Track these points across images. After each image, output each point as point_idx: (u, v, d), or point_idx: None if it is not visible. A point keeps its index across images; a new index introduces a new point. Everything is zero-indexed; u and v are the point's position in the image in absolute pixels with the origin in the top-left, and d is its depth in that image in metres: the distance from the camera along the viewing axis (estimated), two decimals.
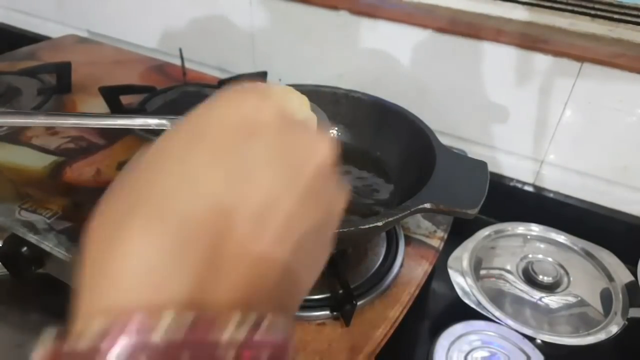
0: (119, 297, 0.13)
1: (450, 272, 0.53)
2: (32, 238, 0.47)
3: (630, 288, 0.53)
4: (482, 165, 0.44)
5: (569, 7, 0.58)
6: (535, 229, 0.60)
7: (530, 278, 0.54)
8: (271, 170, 0.15)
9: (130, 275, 0.13)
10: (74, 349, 0.12)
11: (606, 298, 0.52)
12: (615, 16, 0.56)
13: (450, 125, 0.67)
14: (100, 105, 0.66)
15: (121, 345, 0.12)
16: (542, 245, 0.59)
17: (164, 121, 0.41)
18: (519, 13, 0.60)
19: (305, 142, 0.17)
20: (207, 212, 0.14)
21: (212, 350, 0.12)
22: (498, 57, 0.59)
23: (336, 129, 0.57)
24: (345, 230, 0.37)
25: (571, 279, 0.54)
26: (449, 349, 0.46)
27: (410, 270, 0.47)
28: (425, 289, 0.49)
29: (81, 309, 0.14)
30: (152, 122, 0.41)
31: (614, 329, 0.48)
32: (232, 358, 0.13)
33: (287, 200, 0.15)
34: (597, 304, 0.52)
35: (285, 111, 0.17)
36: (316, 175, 0.17)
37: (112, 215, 0.15)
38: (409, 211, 0.38)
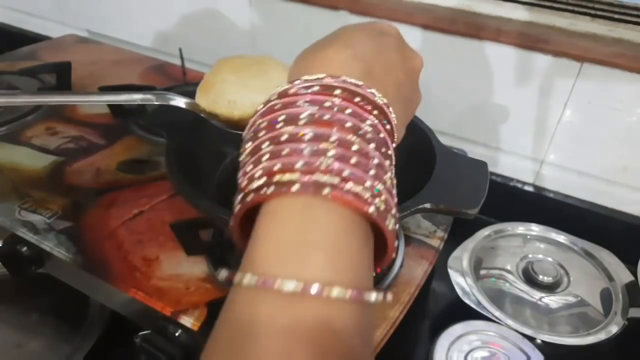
0: (322, 69, 0.24)
1: (450, 272, 0.53)
2: (32, 238, 0.47)
3: (630, 288, 0.53)
4: (482, 165, 0.44)
5: (569, 7, 0.58)
6: (535, 228, 0.60)
7: (530, 278, 0.54)
8: (393, 52, 0.28)
9: (327, 62, 0.25)
10: (302, 83, 0.24)
11: (606, 298, 0.52)
12: (616, 16, 0.56)
13: (450, 125, 0.67)
14: (100, 104, 0.66)
15: (327, 81, 0.23)
16: (542, 245, 0.59)
17: (149, 96, 0.41)
18: (519, 13, 0.60)
19: (411, 51, 0.30)
20: (366, 50, 0.26)
21: (373, 98, 0.24)
22: (498, 57, 0.59)
23: None
24: None
25: (571, 279, 0.54)
26: (448, 349, 0.46)
27: (410, 270, 0.47)
28: (425, 289, 0.49)
29: (292, 78, 0.25)
30: (137, 97, 0.41)
31: (614, 329, 0.48)
32: (372, 118, 0.23)
33: (399, 69, 0.27)
34: (597, 304, 0.52)
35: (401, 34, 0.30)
36: (413, 70, 0.29)
37: (315, 45, 0.27)
38: (409, 211, 0.38)
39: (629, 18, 0.56)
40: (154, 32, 0.88)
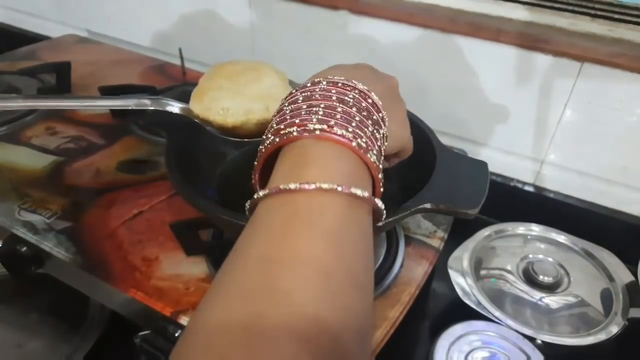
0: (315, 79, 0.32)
1: (451, 272, 0.53)
2: (31, 238, 0.47)
3: (630, 288, 0.52)
4: (483, 165, 0.44)
5: (570, 7, 0.58)
6: (535, 229, 0.60)
7: (530, 278, 0.54)
8: (368, 73, 0.34)
9: (319, 76, 0.32)
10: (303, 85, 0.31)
11: (606, 298, 0.52)
12: (616, 16, 0.56)
13: (451, 125, 0.67)
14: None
15: (316, 80, 0.31)
16: (542, 246, 0.58)
17: (144, 101, 0.41)
18: (520, 13, 0.60)
19: (385, 74, 0.36)
20: (347, 70, 0.33)
21: (353, 85, 0.30)
22: (498, 56, 0.59)
23: None
24: None
25: (571, 279, 0.54)
26: (449, 350, 0.46)
27: (411, 271, 0.47)
28: (425, 289, 0.49)
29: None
30: (131, 102, 0.41)
31: (614, 329, 0.48)
32: (353, 94, 0.30)
33: (376, 85, 0.32)
34: (597, 304, 0.52)
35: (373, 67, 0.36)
36: (390, 85, 0.35)
37: (319, 72, 0.33)
38: (409, 211, 0.38)
39: (629, 18, 0.55)
40: (153, 32, 0.88)
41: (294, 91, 0.32)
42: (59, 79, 0.72)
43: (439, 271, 0.54)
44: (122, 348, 0.49)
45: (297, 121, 0.28)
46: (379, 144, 0.30)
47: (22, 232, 0.48)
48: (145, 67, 0.80)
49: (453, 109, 0.66)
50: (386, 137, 0.31)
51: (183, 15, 0.82)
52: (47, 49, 0.85)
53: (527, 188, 0.66)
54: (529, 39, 0.57)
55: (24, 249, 0.48)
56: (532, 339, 0.47)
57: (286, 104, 0.31)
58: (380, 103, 0.31)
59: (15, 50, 0.83)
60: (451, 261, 0.54)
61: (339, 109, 0.28)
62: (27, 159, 0.57)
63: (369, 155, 0.28)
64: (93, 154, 0.59)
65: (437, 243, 0.51)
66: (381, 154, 0.30)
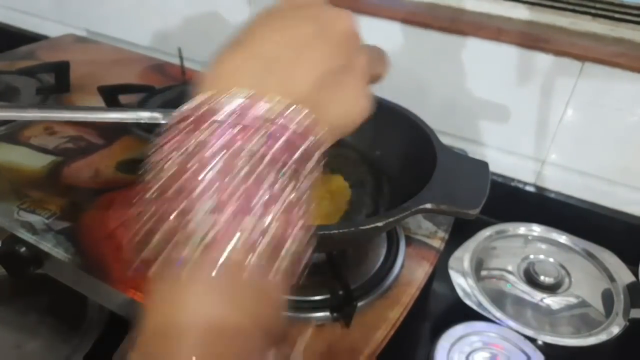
0: (213, 85, 0.23)
1: (451, 272, 0.53)
2: (30, 238, 0.47)
3: (631, 288, 0.52)
4: (484, 165, 0.44)
5: (570, 7, 0.57)
6: (536, 229, 0.59)
7: (531, 279, 0.54)
8: (308, 26, 0.25)
9: (217, 78, 0.24)
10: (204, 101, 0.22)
11: (607, 299, 0.52)
12: (617, 15, 0.56)
13: (451, 125, 0.66)
14: (99, 104, 0.66)
15: (225, 113, 0.21)
16: (543, 246, 0.58)
17: (155, 114, 0.41)
18: (520, 12, 0.60)
19: (331, 16, 0.25)
20: (266, 45, 0.25)
21: (261, 114, 0.21)
22: (499, 56, 0.59)
23: None
24: (345, 230, 0.36)
25: (572, 279, 0.54)
26: (449, 351, 0.46)
27: (411, 271, 0.47)
28: (426, 290, 0.49)
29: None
30: (144, 115, 0.41)
31: (615, 330, 0.48)
32: (257, 139, 0.20)
33: (319, 43, 0.24)
34: (598, 304, 0.52)
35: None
36: (341, 32, 0.25)
37: (221, 52, 0.25)
38: (409, 211, 0.38)
39: (630, 18, 0.55)
40: (152, 32, 0.88)
41: (174, 121, 0.22)
42: (58, 78, 0.71)
43: (439, 272, 0.54)
44: None
45: (161, 245, 0.19)
46: (297, 209, 0.21)
47: (21, 233, 0.47)
48: (144, 67, 0.79)
49: (453, 109, 0.66)
50: (318, 166, 0.23)
51: (182, 14, 0.82)
52: (46, 48, 0.84)
53: (528, 188, 0.66)
54: (530, 39, 0.57)
55: (23, 249, 0.48)
56: (533, 340, 0.47)
57: (161, 166, 0.21)
58: (309, 123, 0.22)
59: (14, 50, 0.83)
60: (452, 262, 0.54)
61: (233, 193, 0.19)
62: (26, 159, 0.57)
63: (270, 275, 0.20)
64: (92, 154, 0.58)
65: (437, 243, 0.51)
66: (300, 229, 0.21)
